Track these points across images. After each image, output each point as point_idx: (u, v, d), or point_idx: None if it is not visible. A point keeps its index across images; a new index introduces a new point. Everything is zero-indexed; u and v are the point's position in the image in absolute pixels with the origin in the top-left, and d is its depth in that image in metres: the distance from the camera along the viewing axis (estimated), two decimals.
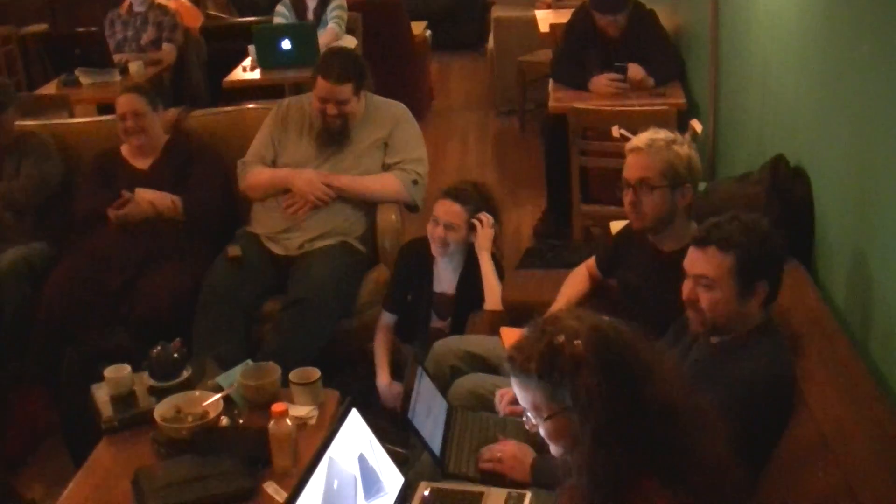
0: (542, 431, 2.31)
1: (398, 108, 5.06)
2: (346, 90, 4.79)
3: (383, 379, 4.40)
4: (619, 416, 2.13)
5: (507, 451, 3.09)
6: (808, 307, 3.22)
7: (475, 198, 4.34)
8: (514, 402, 3.17)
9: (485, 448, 3.17)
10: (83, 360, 4.25)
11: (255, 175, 4.91)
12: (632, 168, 3.56)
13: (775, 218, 3.64)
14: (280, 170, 4.89)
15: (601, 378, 2.14)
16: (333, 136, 4.86)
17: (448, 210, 4.29)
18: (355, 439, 2.81)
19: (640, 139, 3.57)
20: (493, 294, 4.22)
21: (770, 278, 2.86)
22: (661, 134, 3.55)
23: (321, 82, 4.80)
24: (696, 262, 2.89)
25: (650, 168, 3.50)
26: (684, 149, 3.52)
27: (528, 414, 2.32)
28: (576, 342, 2.18)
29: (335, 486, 2.62)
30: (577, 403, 2.17)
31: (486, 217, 4.31)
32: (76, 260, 4.80)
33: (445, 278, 4.43)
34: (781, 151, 3.96)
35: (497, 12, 9.96)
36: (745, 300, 2.84)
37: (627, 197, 3.57)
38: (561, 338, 2.19)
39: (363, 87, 4.88)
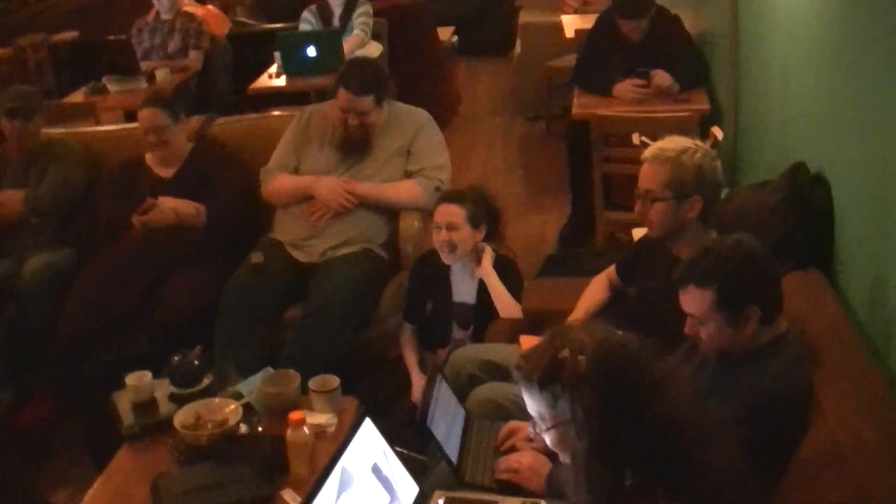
0: (547, 440, 2.33)
1: (421, 116, 5.06)
2: (367, 102, 4.80)
3: (416, 378, 4.42)
4: (617, 434, 2.14)
5: (524, 462, 3.08)
6: (827, 315, 3.19)
7: (470, 197, 4.36)
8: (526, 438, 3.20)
9: (502, 458, 3.16)
10: (105, 367, 4.27)
11: (277, 182, 4.93)
12: (640, 178, 3.56)
13: (793, 226, 3.63)
14: (302, 177, 4.90)
15: (600, 395, 2.15)
16: (355, 145, 4.87)
17: (445, 212, 4.32)
18: (369, 448, 2.81)
19: (650, 149, 3.55)
20: (503, 305, 4.23)
21: (759, 301, 2.84)
22: (674, 143, 3.52)
23: (342, 93, 4.81)
24: (683, 301, 2.91)
25: (654, 180, 3.49)
26: (695, 158, 3.46)
27: (536, 422, 2.34)
28: (580, 357, 2.19)
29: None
30: (575, 418, 2.18)
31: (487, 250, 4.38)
32: (99, 267, 4.83)
33: (464, 288, 4.43)
34: (802, 158, 3.94)
35: (524, 17, 9.97)
36: (739, 328, 2.83)
37: (636, 207, 3.58)
38: (566, 352, 2.21)
39: (384, 97, 4.90)
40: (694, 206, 3.47)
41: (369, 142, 4.89)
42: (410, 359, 4.51)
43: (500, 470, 3.12)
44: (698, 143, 3.56)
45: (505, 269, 4.38)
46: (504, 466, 3.12)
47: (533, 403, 2.31)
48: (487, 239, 4.40)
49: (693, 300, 2.86)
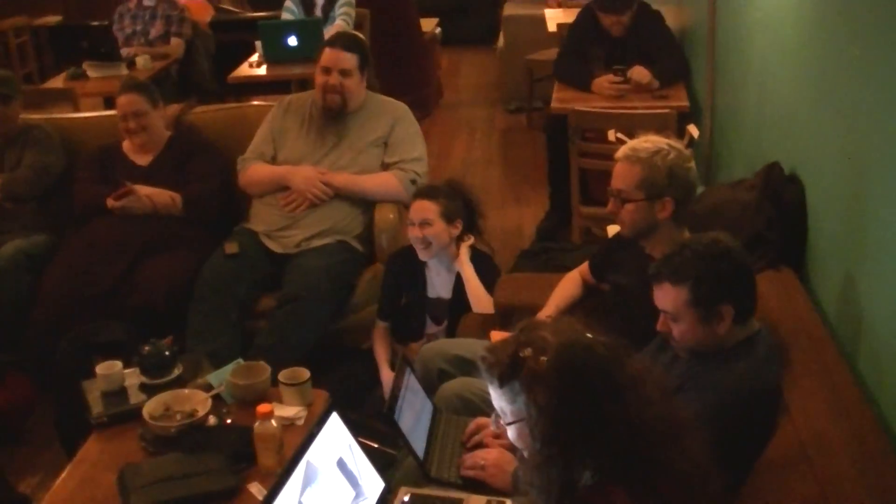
0: (509, 434, 2.35)
1: (398, 107, 5.07)
2: (351, 59, 4.87)
3: (386, 374, 4.44)
4: (570, 436, 2.14)
5: (490, 459, 3.07)
6: (798, 315, 3.21)
7: (444, 192, 4.36)
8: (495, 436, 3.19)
9: (468, 454, 3.16)
10: (77, 352, 4.25)
11: (253, 172, 4.94)
12: (613, 177, 3.55)
13: (767, 224, 3.64)
14: (278, 167, 4.91)
15: (555, 397, 2.15)
16: (333, 114, 4.90)
17: (418, 208, 4.32)
18: (335, 443, 2.81)
19: (623, 149, 3.54)
20: (477, 300, 4.23)
21: (733, 299, 2.83)
22: (648, 143, 3.50)
23: (327, 52, 4.90)
24: (657, 297, 2.91)
25: (626, 180, 3.48)
26: (668, 160, 3.44)
27: (499, 414, 2.35)
28: (541, 358, 2.18)
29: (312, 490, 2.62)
30: (529, 417, 2.18)
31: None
32: (73, 252, 4.82)
33: (440, 283, 4.44)
34: (777, 157, 3.94)
35: (508, 10, 9.97)
36: (711, 325, 2.83)
37: (609, 205, 3.59)
38: (527, 350, 2.21)
39: (365, 66, 4.95)
40: (666, 206, 3.46)
41: (345, 114, 4.92)
42: (381, 356, 4.53)
43: (465, 466, 3.11)
44: (672, 143, 3.54)
45: (481, 263, 4.37)
46: (470, 463, 3.11)
47: (495, 397, 2.32)
48: (465, 233, 4.38)
49: (667, 296, 2.86)
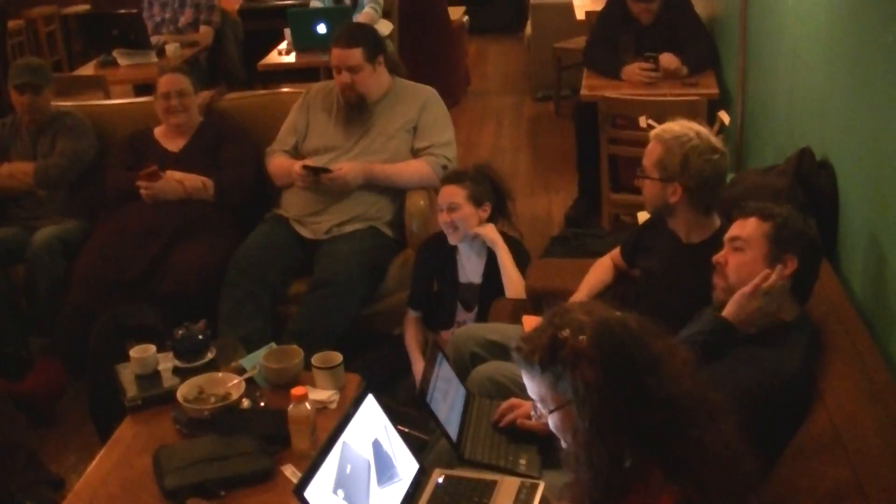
0: (549, 424, 2.33)
1: (425, 91, 5.08)
2: (356, 55, 4.84)
3: (418, 366, 4.43)
4: (618, 411, 2.14)
5: None
6: (830, 299, 3.20)
7: (471, 175, 4.38)
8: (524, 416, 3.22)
9: (511, 414, 3.25)
10: (110, 336, 4.29)
11: (271, 165, 5.02)
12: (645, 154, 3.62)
13: (799, 209, 3.63)
14: (285, 160, 4.98)
15: (601, 372, 2.15)
16: (352, 109, 4.91)
17: (446, 192, 4.34)
18: (370, 424, 2.83)
19: (658, 128, 3.58)
20: (512, 283, 4.24)
21: (801, 257, 2.91)
22: (678, 127, 3.51)
23: (333, 51, 4.90)
24: (735, 227, 3.02)
25: (650, 157, 3.54)
26: (685, 147, 3.44)
27: (537, 405, 2.35)
28: (580, 337, 2.19)
29: (348, 470, 2.64)
30: (577, 396, 2.18)
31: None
32: (106, 237, 4.86)
33: (470, 268, 4.44)
34: (808, 143, 3.94)
35: None
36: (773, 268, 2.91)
37: (635, 180, 3.67)
38: (565, 331, 2.21)
39: (376, 55, 4.92)
40: (675, 191, 3.48)
41: (365, 107, 4.92)
42: (413, 347, 4.52)
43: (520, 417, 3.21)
44: (702, 132, 3.51)
45: (511, 248, 4.36)
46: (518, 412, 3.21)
47: (534, 386, 2.31)
48: (495, 216, 4.40)
49: (748, 226, 2.97)
